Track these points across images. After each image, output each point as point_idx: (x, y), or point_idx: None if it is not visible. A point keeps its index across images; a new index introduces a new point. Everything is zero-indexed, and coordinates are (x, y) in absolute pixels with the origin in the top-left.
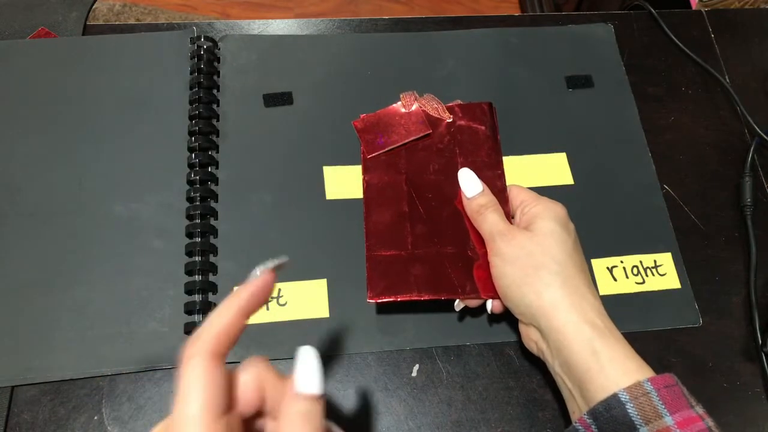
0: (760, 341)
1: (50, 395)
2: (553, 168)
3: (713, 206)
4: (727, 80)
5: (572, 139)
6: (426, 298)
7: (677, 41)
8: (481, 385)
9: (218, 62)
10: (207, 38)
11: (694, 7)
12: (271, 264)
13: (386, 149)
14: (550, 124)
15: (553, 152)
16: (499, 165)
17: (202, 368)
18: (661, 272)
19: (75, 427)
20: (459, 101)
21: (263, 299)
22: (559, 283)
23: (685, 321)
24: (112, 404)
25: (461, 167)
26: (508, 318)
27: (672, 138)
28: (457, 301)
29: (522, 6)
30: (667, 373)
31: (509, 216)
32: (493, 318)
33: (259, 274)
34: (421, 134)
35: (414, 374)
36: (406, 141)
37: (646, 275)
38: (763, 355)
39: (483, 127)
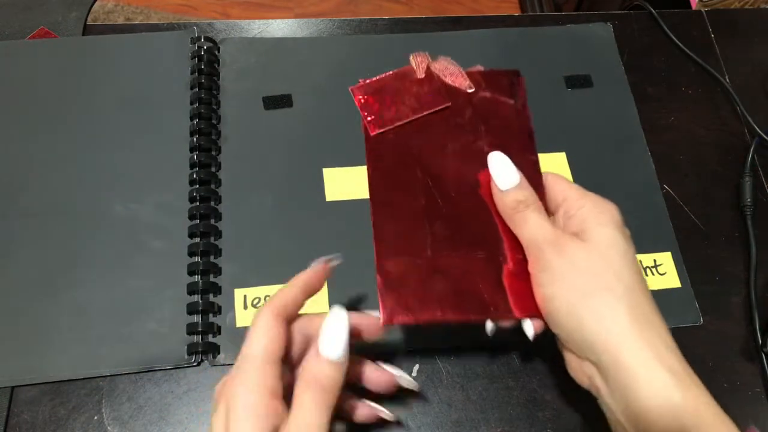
0: (761, 341)
1: (50, 395)
2: (553, 168)
3: (713, 206)
4: (727, 80)
5: (572, 138)
6: (451, 319)
7: (677, 41)
8: (481, 385)
9: (218, 64)
10: (207, 39)
11: (694, 7)
12: (324, 259)
13: (395, 124)
14: (550, 124)
15: (552, 152)
16: (533, 149)
17: (266, 321)
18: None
19: (75, 427)
20: (480, 67)
21: (318, 285)
22: (625, 309)
23: (685, 320)
24: (112, 404)
25: (488, 149)
26: None
27: (672, 138)
28: (489, 323)
29: (522, 6)
30: None
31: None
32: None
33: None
34: (438, 107)
35: (414, 374)
36: (420, 115)
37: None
38: (763, 355)
39: (511, 101)
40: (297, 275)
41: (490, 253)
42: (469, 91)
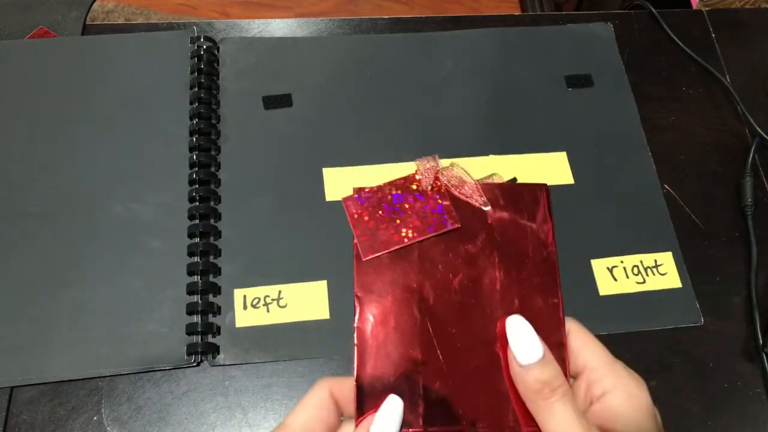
0: (761, 341)
1: (49, 396)
2: (554, 167)
3: (714, 206)
4: (728, 80)
5: (572, 138)
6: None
7: (678, 41)
8: None
9: (218, 64)
10: (207, 38)
11: (694, 7)
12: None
13: (392, 248)
14: (550, 124)
15: (553, 151)
16: (555, 288)
17: (320, 396)
18: (661, 272)
19: (74, 427)
20: (498, 176)
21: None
22: None
23: (685, 320)
24: (111, 405)
25: (501, 286)
26: None
27: (672, 138)
28: None
29: (522, 5)
30: None
31: (567, 375)
32: None
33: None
34: (446, 230)
35: None
36: (422, 238)
37: (647, 275)
38: (763, 355)
39: (533, 225)
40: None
41: (495, 422)
42: (485, 209)
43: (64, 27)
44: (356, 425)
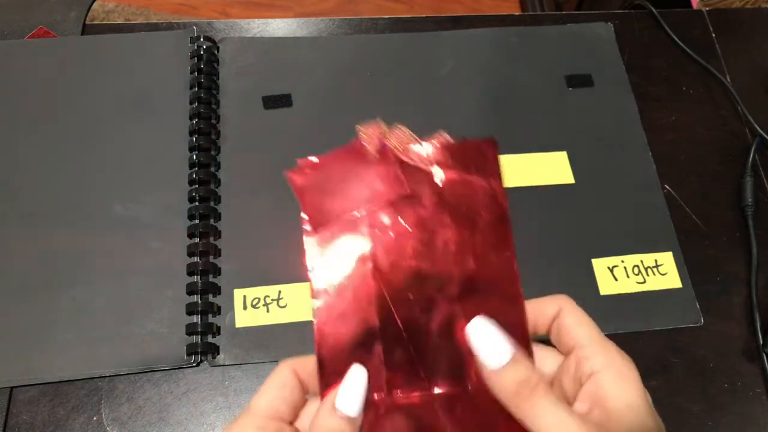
0: (761, 341)
1: (49, 396)
2: (554, 167)
3: (714, 206)
4: (728, 80)
5: (573, 138)
6: None
7: (678, 41)
8: None
9: (217, 64)
10: (207, 38)
11: (695, 7)
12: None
13: (342, 221)
14: (551, 123)
15: (553, 151)
16: (508, 242)
17: (282, 376)
18: (662, 272)
19: (74, 427)
20: (443, 134)
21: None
22: None
23: (686, 320)
24: (111, 405)
25: (455, 246)
26: None
27: (673, 138)
28: None
29: (523, 5)
30: None
31: (525, 338)
32: None
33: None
34: (395, 196)
35: None
36: (373, 208)
37: (647, 275)
38: (764, 355)
39: (483, 182)
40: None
41: (455, 385)
42: (432, 170)
43: (63, 27)
44: (321, 399)
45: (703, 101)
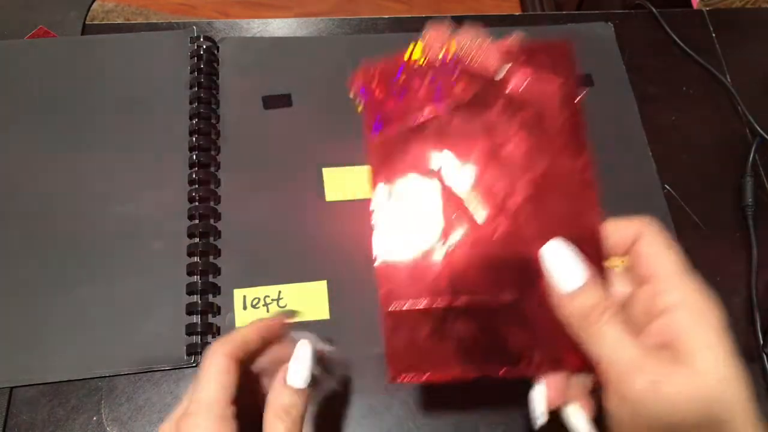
0: (761, 341)
1: (49, 396)
2: None
3: (714, 206)
4: (729, 80)
5: None
6: (472, 376)
7: (678, 41)
8: (481, 385)
9: (217, 64)
10: (207, 38)
11: (695, 7)
12: (312, 338)
13: (405, 124)
14: None
15: None
16: (584, 148)
17: (218, 363)
18: None
19: (74, 427)
20: (518, 34)
21: (276, 334)
22: None
23: None
24: (111, 405)
25: (525, 151)
26: None
27: (673, 138)
28: (538, 405)
29: (523, 5)
30: None
31: (600, 264)
32: None
33: (295, 337)
34: (460, 100)
35: None
36: (435, 113)
37: None
38: (764, 355)
39: (556, 84)
40: (258, 320)
41: (521, 293)
42: (502, 74)
43: (63, 27)
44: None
45: (703, 101)
